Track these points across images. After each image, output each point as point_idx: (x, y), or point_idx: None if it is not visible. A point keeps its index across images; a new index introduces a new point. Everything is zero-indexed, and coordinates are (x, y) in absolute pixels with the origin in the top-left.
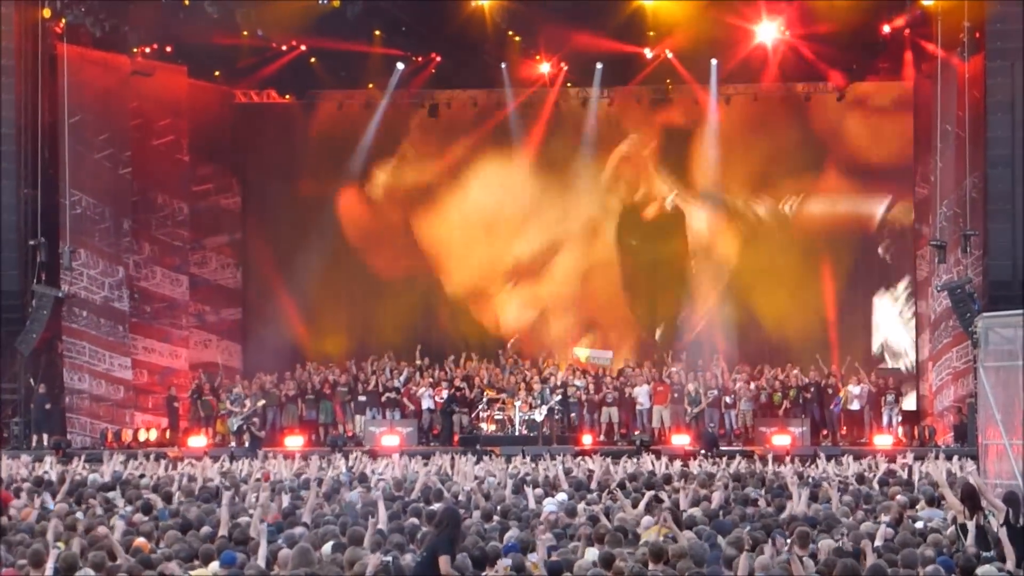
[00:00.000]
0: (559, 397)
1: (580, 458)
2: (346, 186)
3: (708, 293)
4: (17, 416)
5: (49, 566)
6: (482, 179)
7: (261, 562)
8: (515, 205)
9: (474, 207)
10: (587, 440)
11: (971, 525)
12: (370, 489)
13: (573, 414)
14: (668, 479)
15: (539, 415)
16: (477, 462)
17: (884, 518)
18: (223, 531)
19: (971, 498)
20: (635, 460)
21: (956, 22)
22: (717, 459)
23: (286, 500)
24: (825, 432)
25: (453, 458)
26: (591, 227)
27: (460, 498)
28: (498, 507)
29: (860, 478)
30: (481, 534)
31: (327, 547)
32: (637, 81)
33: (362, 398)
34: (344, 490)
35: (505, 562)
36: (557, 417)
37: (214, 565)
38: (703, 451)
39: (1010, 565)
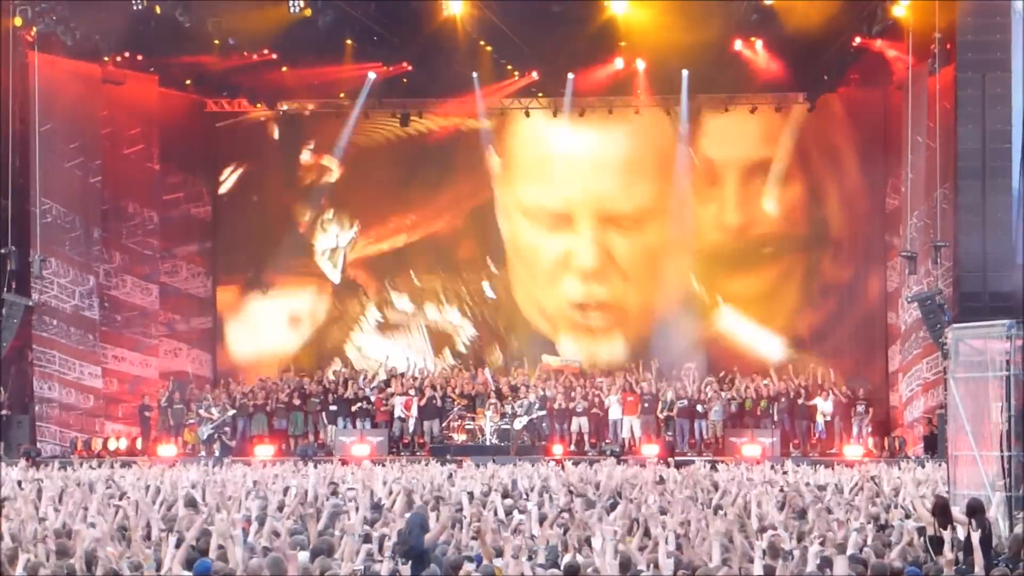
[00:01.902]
0: (544, 412)
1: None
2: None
3: (677, 305)
4: None
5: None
6: (452, 189)
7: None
8: (485, 212)
9: (446, 215)
10: (558, 450)
11: (947, 536)
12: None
13: (544, 424)
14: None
15: (519, 424)
16: (449, 477)
17: (855, 525)
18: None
19: (943, 512)
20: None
21: (927, 33)
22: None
23: (256, 507)
24: (796, 442)
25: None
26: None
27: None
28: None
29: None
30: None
31: (303, 556)
32: (608, 91)
33: (333, 407)
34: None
35: (470, 567)
36: (535, 427)
37: None
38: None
39: (979, 570)
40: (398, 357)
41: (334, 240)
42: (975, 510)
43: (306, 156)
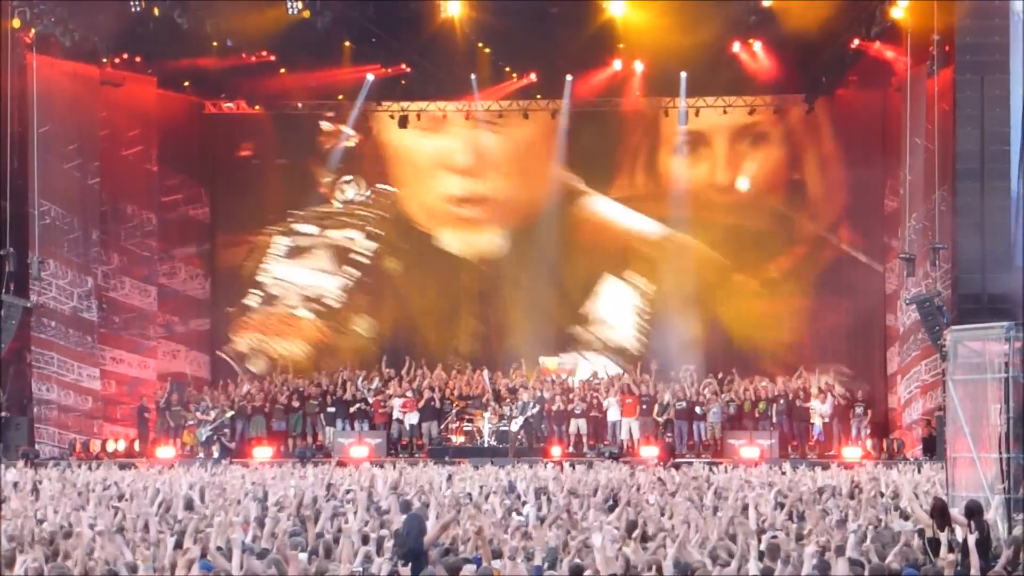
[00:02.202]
0: (537, 408)
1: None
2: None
3: (677, 304)
4: None
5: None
6: (450, 190)
7: (236, 571)
8: (483, 215)
9: (442, 217)
10: (556, 452)
11: (944, 538)
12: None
13: (543, 425)
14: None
15: (515, 425)
16: (448, 479)
17: (852, 527)
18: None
19: (941, 513)
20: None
21: (925, 35)
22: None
23: (255, 510)
24: (794, 444)
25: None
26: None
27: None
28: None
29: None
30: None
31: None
32: (607, 93)
33: (331, 409)
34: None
35: (470, 568)
36: (532, 428)
37: None
38: (663, 462)
39: (974, 572)
40: (307, 278)
41: None
42: (974, 512)
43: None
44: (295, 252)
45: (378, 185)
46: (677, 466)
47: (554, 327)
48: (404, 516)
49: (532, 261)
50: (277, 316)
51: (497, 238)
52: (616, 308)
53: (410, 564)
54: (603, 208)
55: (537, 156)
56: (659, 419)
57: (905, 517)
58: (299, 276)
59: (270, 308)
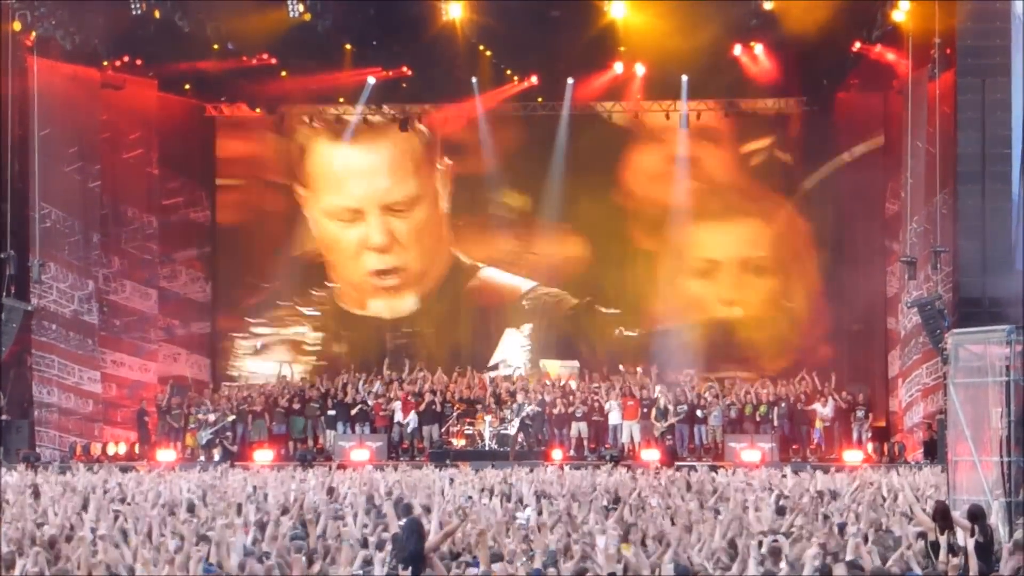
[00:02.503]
0: (531, 411)
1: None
2: (316, 199)
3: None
4: None
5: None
6: (453, 194)
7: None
8: (487, 218)
9: (444, 219)
10: (556, 455)
11: (943, 541)
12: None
13: (544, 428)
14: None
15: (511, 429)
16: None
17: (852, 530)
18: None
19: (943, 516)
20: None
21: (927, 38)
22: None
23: (256, 513)
24: (795, 447)
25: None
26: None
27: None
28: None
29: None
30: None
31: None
32: (607, 96)
33: (332, 412)
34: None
35: (473, 570)
36: (530, 430)
37: None
38: (664, 466)
39: (973, 574)
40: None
41: None
42: (976, 516)
43: None
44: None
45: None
46: (679, 470)
47: None
48: (403, 520)
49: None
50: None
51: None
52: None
53: (409, 568)
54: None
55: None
56: (657, 423)
57: (907, 520)
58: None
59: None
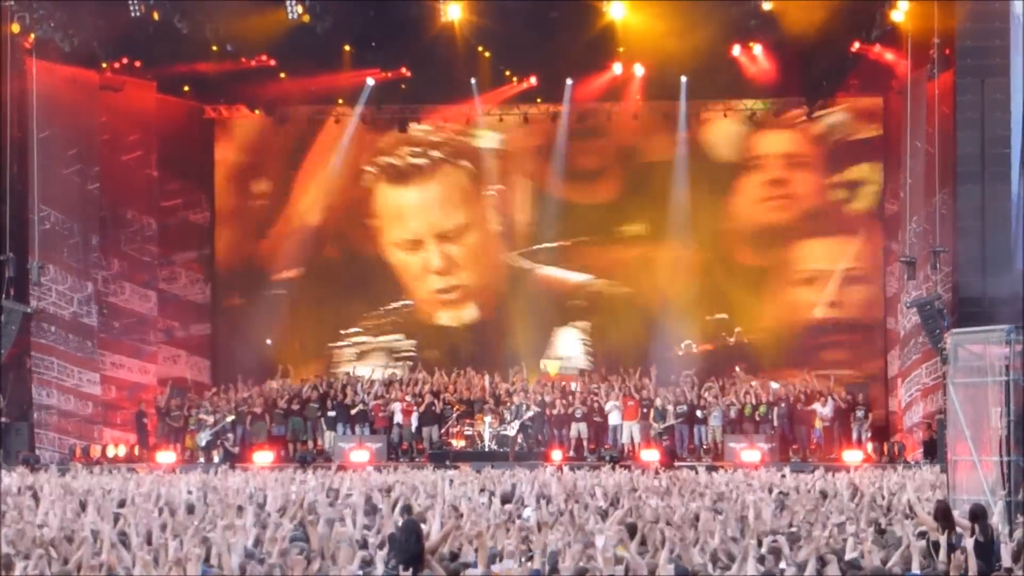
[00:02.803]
0: (532, 413)
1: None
2: (315, 201)
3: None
4: None
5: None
6: (450, 193)
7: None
8: (485, 218)
9: (442, 220)
10: (556, 456)
11: (944, 541)
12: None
13: (544, 429)
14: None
15: (511, 430)
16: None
17: (850, 529)
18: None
19: (945, 516)
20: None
21: (926, 39)
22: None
23: (256, 515)
24: (795, 447)
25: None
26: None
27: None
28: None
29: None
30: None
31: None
32: (607, 97)
33: (332, 413)
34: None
35: (473, 571)
36: (530, 432)
37: None
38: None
39: (972, 574)
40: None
41: None
42: (977, 515)
43: None
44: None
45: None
46: (678, 470)
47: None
48: (401, 521)
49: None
50: None
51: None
52: None
53: (410, 569)
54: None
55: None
56: (656, 424)
57: (907, 519)
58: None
59: None
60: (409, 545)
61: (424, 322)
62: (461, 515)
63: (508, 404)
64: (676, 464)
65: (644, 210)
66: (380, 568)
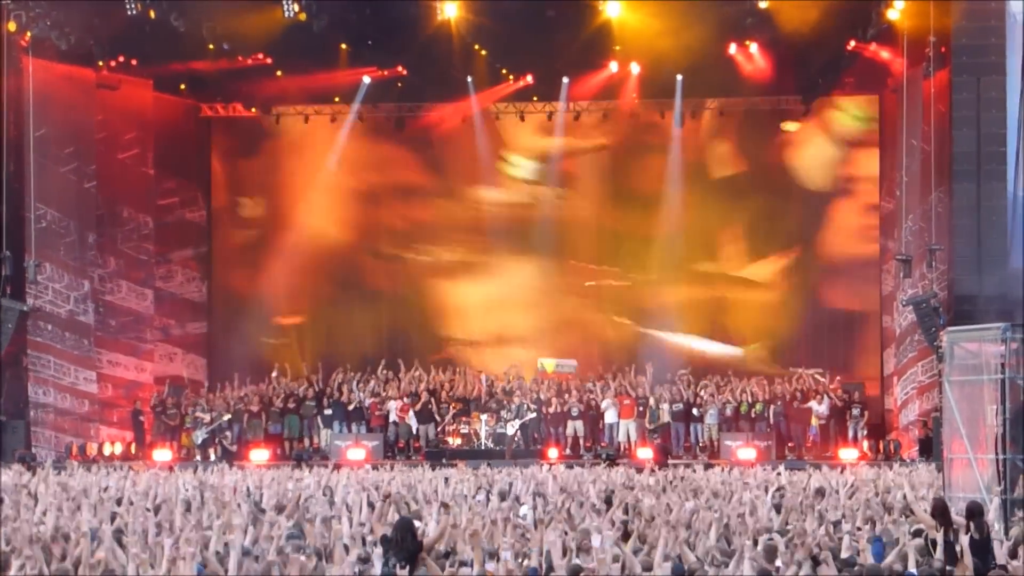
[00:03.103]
0: (534, 414)
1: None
2: (311, 199)
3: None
4: None
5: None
6: (449, 190)
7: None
8: (482, 216)
9: (442, 218)
10: (553, 454)
11: (941, 539)
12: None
13: (541, 426)
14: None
15: (511, 429)
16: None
17: (846, 527)
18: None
19: (943, 514)
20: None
21: (921, 37)
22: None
23: (252, 513)
24: (791, 445)
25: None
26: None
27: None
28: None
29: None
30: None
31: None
32: (602, 95)
33: (328, 411)
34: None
35: (466, 570)
36: (527, 430)
37: None
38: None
39: (968, 573)
40: None
41: None
42: (974, 513)
43: None
44: None
45: None
46: (673, 468)
47: None
48: (396, 520)
49: None
50: None
51: None
52: None
53: (407, 568)
54: None
55: None
56: (649, 426)
57: (904, 517)
58: None
59: None
60: (406, 543)
61: None
62: (449, 510)
63: (508, 404)
64: (670, 462)
65: (636, 210)
66: (378, 567)
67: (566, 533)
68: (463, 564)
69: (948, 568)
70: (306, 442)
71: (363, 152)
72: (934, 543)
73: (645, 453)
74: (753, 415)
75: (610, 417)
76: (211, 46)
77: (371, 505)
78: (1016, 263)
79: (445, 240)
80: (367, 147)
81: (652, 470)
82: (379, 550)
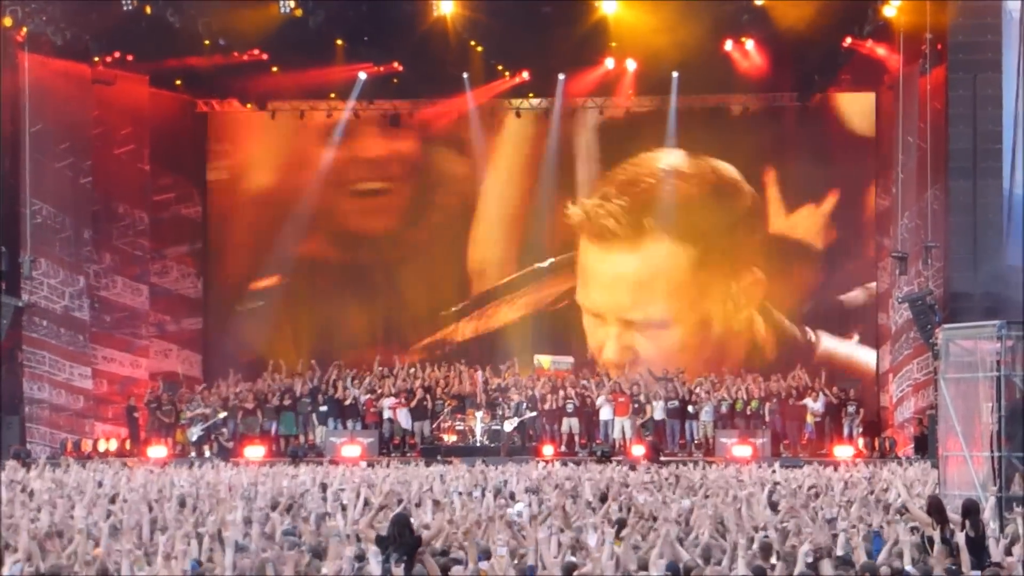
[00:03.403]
0: (534, 413)
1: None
2: (307, 196)
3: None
4: None
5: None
6: (445, 187)
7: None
8: (477, 212)
9: (436, 214)
10: (548, 451)
11: (937, 536)
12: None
13: (537, 424)
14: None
15: (509, 426)
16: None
17: (842, 524)
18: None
19: (938, 511)
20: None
21: (918, 34)
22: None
23: (246, 509)
24: (787, 442)
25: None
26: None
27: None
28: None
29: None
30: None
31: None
32: (598, 92)
33: (323, 408)
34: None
35: (459, 568)
36: (524, 428)
37: None
38: (650, 461)
39: (966, 570)
40: None
41: None
42: (969, 510)
43: None
44: None
45: None
46: (667, 465)
47: None
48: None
49: None
50: None
51: None
52: None
53: (402, 566)
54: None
55: None
56: (638, 422)
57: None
58: None
59: None
60: (404, 538)
61: None
62: (441, 508)
63: (507, 401)
64: (661, 459)
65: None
66: (374, 564)
67: (561, 531)
68: (456, 562)
69: (952, 566)
70: (301, 439)
71: (358, 148)
72: (930, 540)
73: (639, 450)
74: (748, 412)
75: (605, 414)
76: (207, 42)
77: (366, 502)
78: (1012, 260)
79: (440, 236)
80: (362, 143)
81: (647, 468)
82: (375, 549)
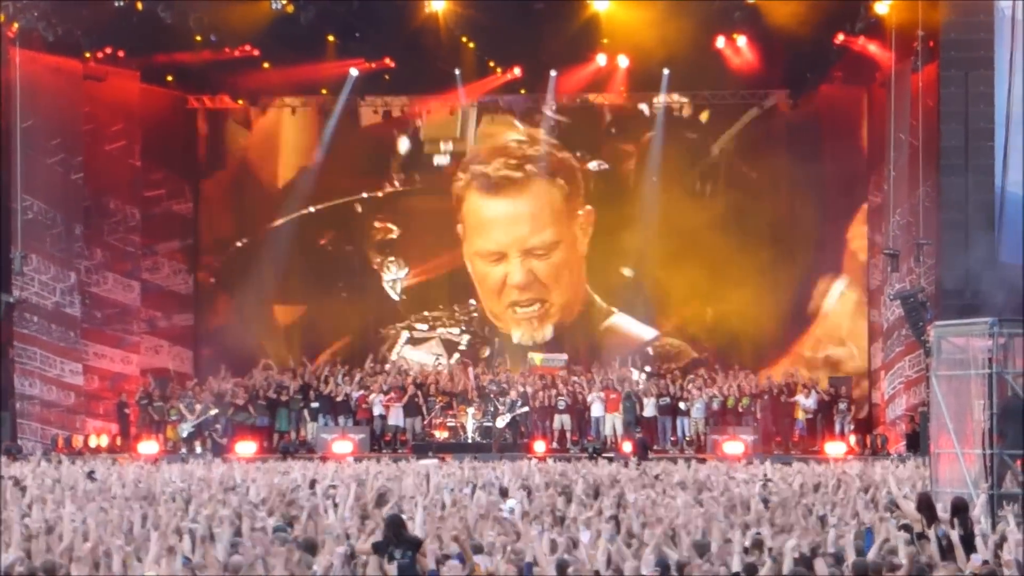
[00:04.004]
0: (526, 409)
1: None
2: (298, 191)
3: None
4: None
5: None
6: (436, 184)
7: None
8: (468, 210)
9: (428, 212)
10: (540, 447)
11: (931, 534)
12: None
13: (528, 421)
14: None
15: (501, 422)
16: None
17: (833, 521)
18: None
19: (928, 508)
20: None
21: (910, 31)
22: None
23: (238, 506)
24: (778, 439)
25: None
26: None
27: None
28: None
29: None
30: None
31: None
32: (589, 88)
33: (314, 404)
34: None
35: (453, 562)
36: (517, 424)
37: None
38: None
39: (960, 566)
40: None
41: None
42: (959, 508)
43: None
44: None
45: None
46: (657, 461)
47: None
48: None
49: None
50: None
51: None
52: None
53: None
54: None
55: None
56: (626, 418)
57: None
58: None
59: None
60: (403, 537)
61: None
62: (444, 507)
63: (501, 398)
64: (650, 456)
65: (615, 202)
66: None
67: (553, 527)
68: (447, 557)
69: (944, 562)
70: (292, 435)
71: (350, 144)
72: (920, 537)
73: (629, 447)
74: (740, 409)
75: (596, 411)
76: (198, 38)
77: (357, 499)
78: (1004, 258)
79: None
80: (354, 139)
81: (638, 464)
82: (376, 558)
